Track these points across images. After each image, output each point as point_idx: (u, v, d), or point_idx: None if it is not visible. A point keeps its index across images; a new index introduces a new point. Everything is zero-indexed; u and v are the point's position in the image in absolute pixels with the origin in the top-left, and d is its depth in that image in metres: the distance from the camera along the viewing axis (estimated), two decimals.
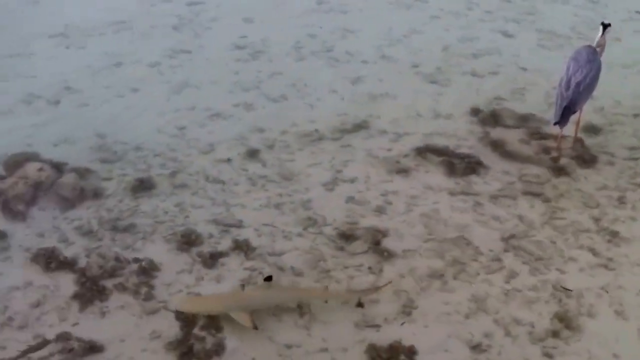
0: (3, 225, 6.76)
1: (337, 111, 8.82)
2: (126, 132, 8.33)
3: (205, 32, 11.27)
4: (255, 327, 5.50)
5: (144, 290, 5.97)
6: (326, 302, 5.83)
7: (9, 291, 5.99)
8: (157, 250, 6.47)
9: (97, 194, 7.23)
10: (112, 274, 6.13)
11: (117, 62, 10.19)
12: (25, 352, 5.33)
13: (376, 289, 5.94)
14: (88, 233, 6.69)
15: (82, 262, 6.29)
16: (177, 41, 10.87)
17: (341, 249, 6.48)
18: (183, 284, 6.06)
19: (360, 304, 5.82)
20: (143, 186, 7.34)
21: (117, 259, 6.29)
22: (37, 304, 5.86)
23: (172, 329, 5.57)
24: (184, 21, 11.60)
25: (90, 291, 5.94)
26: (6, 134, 8.24)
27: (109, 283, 6.03)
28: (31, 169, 7.32)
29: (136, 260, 6.29)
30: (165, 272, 6.21)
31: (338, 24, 11.45)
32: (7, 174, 7.38)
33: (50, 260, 6.29)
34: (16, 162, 7.53)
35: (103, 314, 5.77)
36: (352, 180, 7.50)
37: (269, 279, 5.80)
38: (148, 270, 6.18)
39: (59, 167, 7.48)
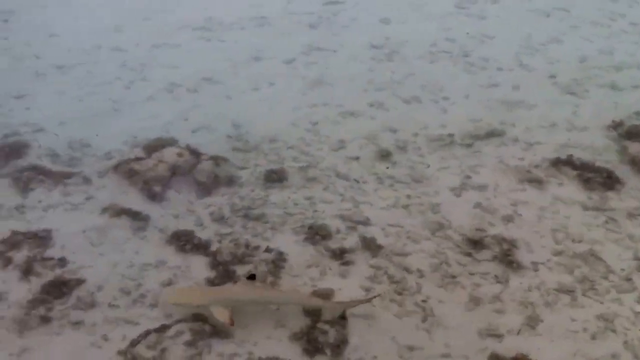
0: (141, 205, 7.11)
1: (470, 117, 8.71)
2: (261, 124, 8.56)
3: (342, 30, 11.40)
4: (232, 324, 5.50)
5: (271, 279, 6.11)
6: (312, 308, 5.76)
7: (143, 269, 6.29)
8: (285, 241, 6.60)
9: (231, 182, 7.47)
10: (242, 260, 6.31)
11: (255, 56, 10.49)
12: (158, 330, 5.58)
13: (362, 301, 5.74)
14: (220, 219, 6.92)
15: (214, 247, 6.52)
16: (314, 39, 11.05)
17: (468, 255, 6.40)
18: (308, 277, 6.16)
19: (343, 317, 5.67)
20: (275, 177, 7.52)
21: (247, 246, 6.48)
22: (169, 283, 6.10)
23: (297, 320, 5.67)
24: (321, 20, 11.78)
25: (221, 275, 6.14)
26: (148, 119, 8.68)
27: (239, 269, 6.21)
28: (170, 153, 7.66)
29: (266, 249, 6.45)
30: (293, 263, 6.33)
31: (476, 29, 11.30)
32: (147, 156, 7.74)
33: (184, 242, 6.56)
34: (156, 146, 7.90)
35: None
36: (482, 187, 7.40)
37: (252, 277, 5.81)
38: (277, 260, 6.32)
39: (196, 153, 7.76)
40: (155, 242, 6.63)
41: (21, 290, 5.94)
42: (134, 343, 5.41)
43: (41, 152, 7.89)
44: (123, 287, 6.03)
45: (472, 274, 6.18)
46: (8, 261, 6.25)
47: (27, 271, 6.14)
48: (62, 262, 6.28)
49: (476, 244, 6.52)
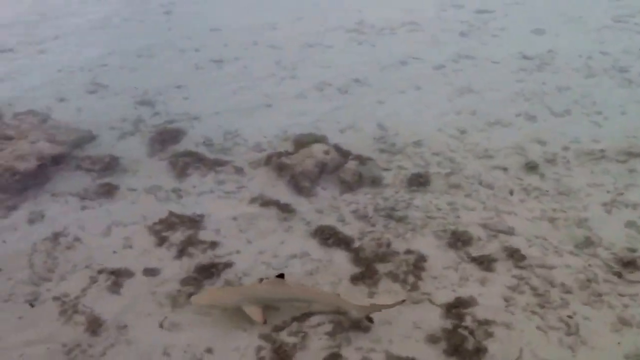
0: (289, 197, 7.33)
1: (626, 133, 8.39)
2: (407, 128, 8.63)
3: (492, 40, 11.33)
4: (265, 322, 5.54)
5: (411, 280, 6.14)
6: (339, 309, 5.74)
7: (288, 258, 6.47)
8: (426, 244, 6.61)
9: (375, 182, 7.56)
10: (383, 259, 6.38)
11: (404, 61, 10.62)
12: (300, 318, 5.75)
13: (388, 306, 5.66)
14: (363, 217, 7.02)
15: (356, 243, 6.62)
16: (463, 46, 11.05)
17: (618, 275, 6.15)
18: (448, 281, 6.14)
19: (369, 319, 5.63)
20: (419, 181, 7.54)
21: (389, 245, 6.55)
22: (311, 274, 6.25)
23: (434, 322, 5.67)
24: (472, 28, 11.77)
25: (362, 272, 6.23)
26: (298, 115, 8.96)
27: (380, 267, 6.28)
28: (318, 150, 7.84)
29: (407, 251, 6.49)
30: (433, 266, 6.33)
31: (634, 43, 10.88)
32: (296, 151, 7.97)
33: (327, 236, 6.70)
34: (305, 142, 8.12)
35: (372, 294, 6.00)
36: (635, 206, 7.09)
37: (281, 276, 5.81)
38: (417, 262, 6.34)
39: (342, 152, 7.91)
40: (300, 234, 6.80)
41: (174, 269, 6.29)
42: (277, 329, 5.61)
43: (197, 140, 8.32)
44: (268, 274, 6.21)
45: (621, 295, 5.93)
46: (164, 240, 6.63)
47: (181, 251, 6.49)
48: (213, 245, 6.58)
49: (627, 264, 6.25)
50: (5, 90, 9.46)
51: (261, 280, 6.01)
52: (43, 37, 11.42)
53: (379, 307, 5.67)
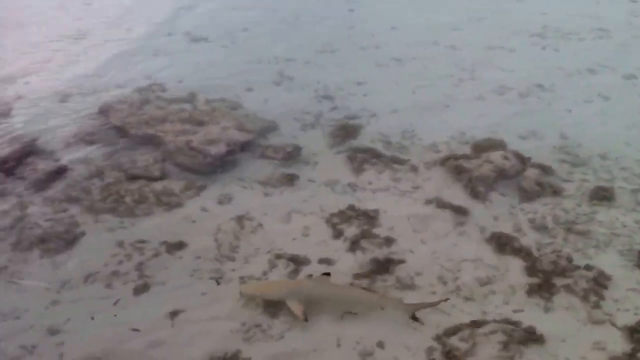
0: (465, 201, 7.24)
1: None
2: (591, 139, 8.29)
3: None
4: (306, 319, 5.51)
5: (592, 298, 5.89)
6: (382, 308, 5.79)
7: (460, 262, 6.39)
8: (610, 262, 6.32)
9: (555, 193, 7.32)
10: (562, 273, 6.16)
11: (591, 68, 10.21)
12: (473, 325, 5.68)
13: (431, 304, 5.75)
14: (542, 228, 6.81)
15: (534, 254, 6.43)
16: None
17: None
18: (632, 303, 5.84)
19: (414, 317, 5.66)
20: (603, 195, 7.23)
21: (569, 260, 6.33)
22: (486, 282, 6.14)
23: (617, 344, 5.42)
24: None
25: (539, 283, 6.06)
26: (476, 118, 8.84)
27: (558, 281, 6.08)
28: (497, 155, 7.69)
29: (588, 267, 6.24)
30: (616, 286, 6.04)
31: None
32: (473, 155, 7.87)
33: (504, 244, 6.57)
34: (484, 146, 8.01)
35: (547, 309, 5.83)
36: None
37: (327, 274, 5.94)
38: (599, 279, 6.08)
39: (522, 159, 7.72)
40: (474, 239, 6.71)
41: (348, 261, 6.38)
42: (448, 332, 5.58)
43: (374, 137, 8.41)
44: (440, 276, 6.20)
45: None
46: (340, 232, 6.76)
47: (355, 244, 6.58)
48: (387, 242, 6.63)
49: None
50: (199, 77, 9.98)
51: (310, 276, 6.06)
52: (233, 29, 11.94)
53: (425, 305, 5.74)
